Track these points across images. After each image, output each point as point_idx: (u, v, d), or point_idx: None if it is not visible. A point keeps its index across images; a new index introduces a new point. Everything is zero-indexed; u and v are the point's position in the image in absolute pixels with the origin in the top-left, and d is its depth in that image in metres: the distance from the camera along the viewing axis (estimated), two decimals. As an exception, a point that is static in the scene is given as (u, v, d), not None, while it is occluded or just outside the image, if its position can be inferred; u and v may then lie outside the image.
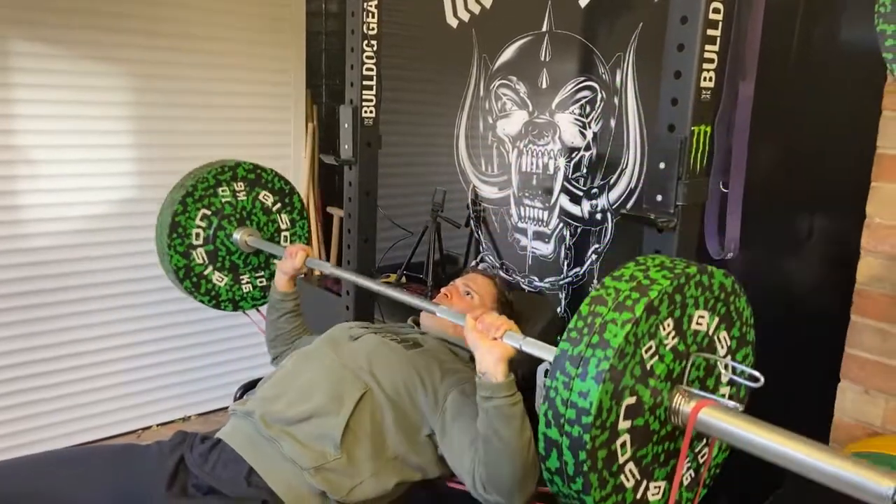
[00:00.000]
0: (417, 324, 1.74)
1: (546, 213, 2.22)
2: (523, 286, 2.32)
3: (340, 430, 1.33)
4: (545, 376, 1.02)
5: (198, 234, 1.97)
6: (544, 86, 2.17)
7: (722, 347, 1.09)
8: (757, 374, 1.04)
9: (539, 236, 2.26)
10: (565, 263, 2.19)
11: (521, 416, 1.21)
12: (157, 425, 2.94)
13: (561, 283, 2.20)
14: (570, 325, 0.98)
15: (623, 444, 0.96)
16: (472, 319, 1.26)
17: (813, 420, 1.61)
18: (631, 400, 0.95)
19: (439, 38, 2.52)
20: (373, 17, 1.96)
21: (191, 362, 2.99)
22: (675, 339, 1.00)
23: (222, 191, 1.99)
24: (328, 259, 3.23)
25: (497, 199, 2.39)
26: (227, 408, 1.51)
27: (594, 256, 2.09)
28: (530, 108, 2.22)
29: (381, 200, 2.17)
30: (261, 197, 2.07)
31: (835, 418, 1.56)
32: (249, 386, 2.06)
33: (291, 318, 1.84)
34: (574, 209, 2.13)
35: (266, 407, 1.41)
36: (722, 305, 1.07)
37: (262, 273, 2.11)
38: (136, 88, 2.67)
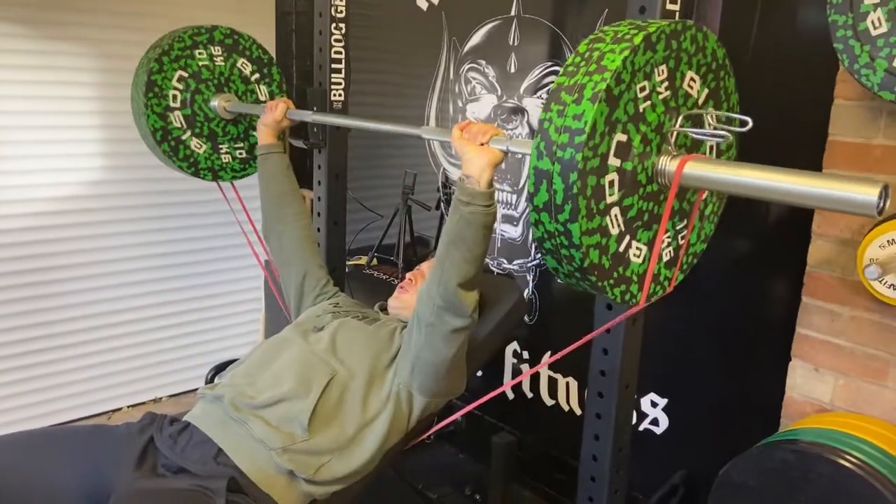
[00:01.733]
0: (384, 310, 1.77)
1: (514, 197, 2.25)
2: (492, 268, 2.36)
3: (308, 413, 1.37)
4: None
5: (175, 97, 1.92)
6: (513, 70, 2.19)
7: (709, 126, 1.09)
8: (745, 118, 1.04)
9: (508, 219, 2.29)
10: (533, 246, 2.23)
11: (490, 228, 1.27)
12: (128, 407, 2.94)
13: (529, 265, 2.24)
14: (567, 62, 0.97)
15: (611, 183, 0.96)
16: (457, 129, 1.30)
17: (765, 396, 1.68)
18: (622, 137, 0.95)
19: (409, 21, 2.51)
20: (341, -1, 1.96)
21: (161, 344, 2.99)
22: (668, 92, 1.01)
23: (199, 53, 1.94)
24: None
25: (467, 182, 2.41)
26: (197, 389, 1.53)
27: (561, 239, 2.13)
28: (499, 93, 2.24)
29: (352, 183, 2.18)
30: (239, 64, 2.02)
31: (786, 395, 1.62)
32: (221, 367, 2.07)
33: (284, 174, 1.81)
34: (541, 192, 2.16)
35: (235, 392, 1.43)
36: (713, 78, 1.08)
37: (241, 144, 2.07)
38: (103, 69, 2.63)
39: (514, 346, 2.34)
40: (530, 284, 2.25)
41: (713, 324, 1.86)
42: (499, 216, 2.31)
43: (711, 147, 1.12)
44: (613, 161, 0.95)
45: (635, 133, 0.97)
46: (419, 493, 1.68)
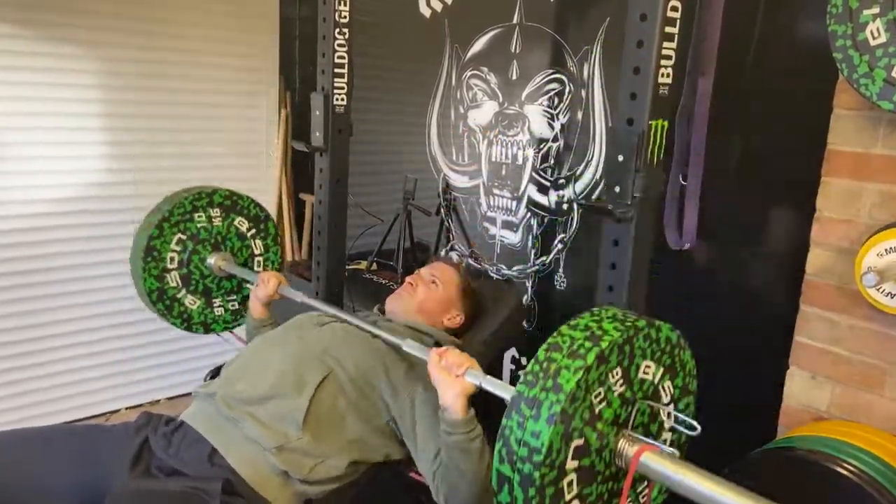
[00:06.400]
0: (383, 311, 1.77)
1: (514, 203, 2.26)
2: (492, 274, 2.36)
3: (303, 411, 1.36)
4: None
5: (172, 258, 1.98)
6: (514, 77, 2.20)
7: (666, 395, 1.15)
8: (694, 423, 1.12)
9: (508, 225, 2.30)
10: (532, 252, 2.23)
11: (480, 448, 1.27)
12: (126, 408, 2.94)
13: (528, 271, 2.25)
14: (528, 370, 1.03)
15: (570, 483, 1.01)
16: (436, 356, 1.31)
17: (763, 404, 1.67)
18: (579, 441, 1.01)
19: (412, 27, 2.53)
20: (344, 4, 1.97)
21: (160, 346, 2.99)
22: (623, 387, 1.06)
23: (198, 216, 2.00)
24: (300, 245, 3.25)
25: (467, 188, 2.42)
26: (194, 391, 1.53)
27: (560, 245, 2.14)
28: (500, 99, 2.25)
29: (353, 188, 2.19)
30: (236, 223, 2.08)
31: (783, 403, 1.62)
32: (218, 370, 2.06)
33: None
34: (542, 199, 2.17)
35: (227, 388, 1.43)
36: (667, 357, 1.14)
37: (235, 297, 2.13)
38: (107, 72, 2.64)
39: (513, 352, 2.34)
40: (529, 290, 2.25)
41: (710, 331, 1.85)
42: (499, 222, 2.32)
43: (669, 414, 1.16)
44: (571, 464, 1.00)
45: (592, 433, 1.02)
46: (414, 492, 1.68)
